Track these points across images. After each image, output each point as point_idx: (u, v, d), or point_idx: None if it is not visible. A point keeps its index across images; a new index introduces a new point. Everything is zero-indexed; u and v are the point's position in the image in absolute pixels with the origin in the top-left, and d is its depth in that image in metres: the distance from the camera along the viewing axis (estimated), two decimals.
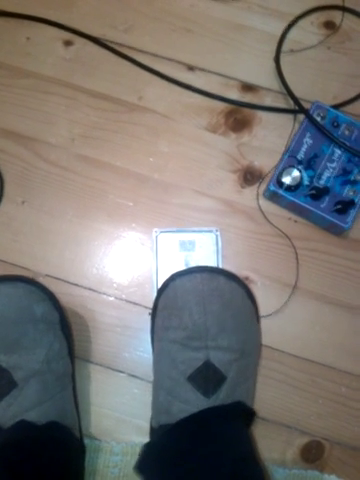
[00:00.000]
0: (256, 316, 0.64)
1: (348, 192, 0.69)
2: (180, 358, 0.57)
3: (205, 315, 0.57)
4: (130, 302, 0.70)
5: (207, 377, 0.56)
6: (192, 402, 0.56)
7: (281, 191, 0.69)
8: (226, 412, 0.56)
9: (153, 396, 0.61)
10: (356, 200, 0.68)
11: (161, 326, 0.61)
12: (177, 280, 0.60)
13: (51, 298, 0.60)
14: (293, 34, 0.79)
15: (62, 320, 0.61)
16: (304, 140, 0.71)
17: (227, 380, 0.56)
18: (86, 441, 0.64)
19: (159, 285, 0.64)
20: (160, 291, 0.62)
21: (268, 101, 0.77)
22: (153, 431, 0.62)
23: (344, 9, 0.80)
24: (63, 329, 0.61)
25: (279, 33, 0.79)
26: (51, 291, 0.61)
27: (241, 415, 0.57)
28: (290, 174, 0.69)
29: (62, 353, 0.60)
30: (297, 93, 0.74)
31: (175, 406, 0.56)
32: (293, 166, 0.69)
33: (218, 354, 0.57)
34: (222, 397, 0.56)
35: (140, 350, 0.68)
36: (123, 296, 0.70)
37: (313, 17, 0.80)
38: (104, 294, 0.70)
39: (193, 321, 0.57)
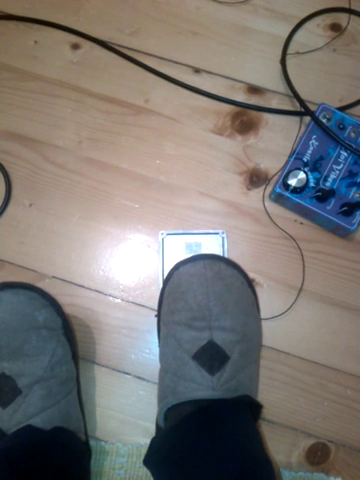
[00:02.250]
0: (256, 305, 0.65)
1: (354, 194, 0.69)
2: (185, 338, 0.59)
3: (208, 296, 0.59)
4: (136, 304, 0.70)
5: (211, 355, 0.57)
6: (197, 380, 0.56)
7: (287, 193, 0.69)
8: (234, 406, 0.56)
9: (159, 385, 0.62)
10: None
11: (167, 311, 0.62)
12: (181, 268, 0.62)
13: (53, 304, 0.61)
14: (299, 36, 0.79)
15: (65, 325, 0.62)
16: (310, 142, 0.71)
17: (230, 360, 0.57)
18: (92, 443, 0.65)
19: None
20: (165, 281, 0.64)
21: (274, 103, 0.77)
22: (159, 430, 0.62)
23: (350, 11, 0.80)
24: (66, 334, 0.61)
25: (285, 35, 0.79)
26: (52, 297, 0.61)
27: (248, 409, 0.58)
28: (296, 176, 0.69)
29: (66, 358, 0.60)
30: (303, 95, 0.75)
31: (181, 385, 0.57)
32: (299, 168, 0.69)
33: (221, 334, 0.58)
34: (226, 376, 0.56)
35: (146, 352, 0.68)
36: (129, 298, 0.70)
37: (319, 19, 0.80)
38: (110, 296, 0.70)
39: (197, 302, 0.59)
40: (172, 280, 0.62)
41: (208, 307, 0.59)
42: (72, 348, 0.62)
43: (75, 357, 0.63)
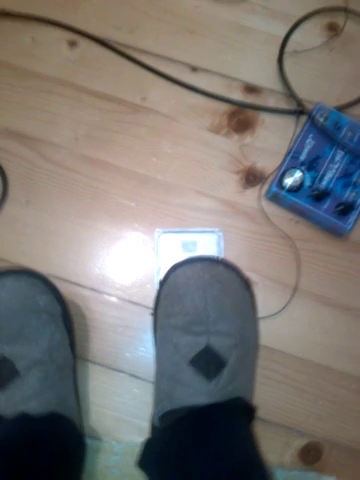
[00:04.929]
0: (254, 307, 0.65)
1: (349, 194, 0.69)
2: (182, 343, 0.58)
3: (206, 300, 0.58)
4: (132, 302, 0.70)
5: (208, 361, 0.57)
6: (194, 385, 0.56)
7: (283, 192, 0.69)
8: (228, 408, 0.56)
9: (155, 388, 0.62)
10: (357, 202, 0.68)
11: (163, 314, 0.62)
12: (178, 270, 0.61)
13: (54, 291, 0.62)
14: (296, 36, 0.79)
15: (64, 313, 0.62)
16: (306, 141, 0.71)
17: (227, 365, 0.57)
18: (86, 441, 0.65)
19: None
20: (162, 283, 0.63)
21: (271, 102, 0.77)
22: (154, 430, 0.62)
23: (347, 11, 0.80)
24: (65, 321, 0.62)
25: (282, 35, 0.78)
26: (54, 284, 0.62)
27: (242, 411, 0.58)
28: (292, 175, 0.69)
29: (64, 344, 0.61)
30: (300, 94, 0.75)
31: (177, 391, 0.57)
32: (295, 167, 0.69)
33: (218, 339, 0.58)
34: (223, 382, 0.56)
35: (141, 350, 0.69)
36: (125, 296, 0.70)
37: (316, 19, 0.80)
38: (106, 294, 0.70)
39: (194, 306, 0.58)
40: (169, 282, 0.62)
41: (206, 311, 0.58)
42: (70, 337, 0.63)
43: (73, 346, 0.64)
